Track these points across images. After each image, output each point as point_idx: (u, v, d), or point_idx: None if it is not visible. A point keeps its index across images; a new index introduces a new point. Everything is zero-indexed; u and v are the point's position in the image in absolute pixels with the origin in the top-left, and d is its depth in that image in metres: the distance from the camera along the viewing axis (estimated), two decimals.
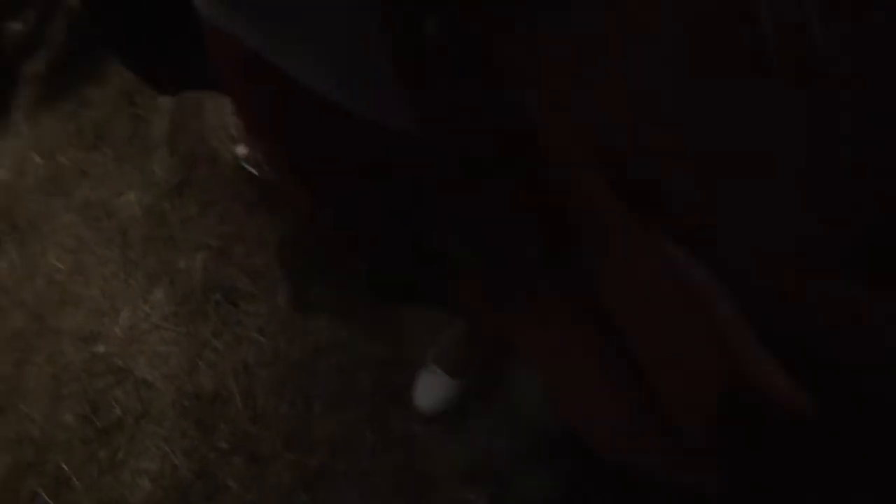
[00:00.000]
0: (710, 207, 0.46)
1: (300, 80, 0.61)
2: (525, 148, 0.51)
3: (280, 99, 0.66)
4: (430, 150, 0.59)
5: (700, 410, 0.51)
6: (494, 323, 0.80)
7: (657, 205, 0.46)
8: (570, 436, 1.37)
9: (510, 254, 0.61)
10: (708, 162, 0.44)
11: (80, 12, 2.24)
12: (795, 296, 0.45)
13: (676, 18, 0.41)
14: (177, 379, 1.71)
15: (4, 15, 2.33)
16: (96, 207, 1.98)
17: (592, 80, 0.46)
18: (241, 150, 1.94)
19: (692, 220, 0.47)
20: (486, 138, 0.54)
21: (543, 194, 0.53)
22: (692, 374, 0.51)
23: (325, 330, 1.72)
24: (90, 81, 2.19)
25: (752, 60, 0.39)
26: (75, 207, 1.99)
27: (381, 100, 0.59)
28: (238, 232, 1.87)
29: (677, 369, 0.52)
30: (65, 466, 1.65)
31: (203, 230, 1.89)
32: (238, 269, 1.82)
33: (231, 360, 1.71)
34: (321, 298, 1.75)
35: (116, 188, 2.00)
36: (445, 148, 0.58)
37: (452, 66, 0.51)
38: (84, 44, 2.23)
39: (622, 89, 0.45)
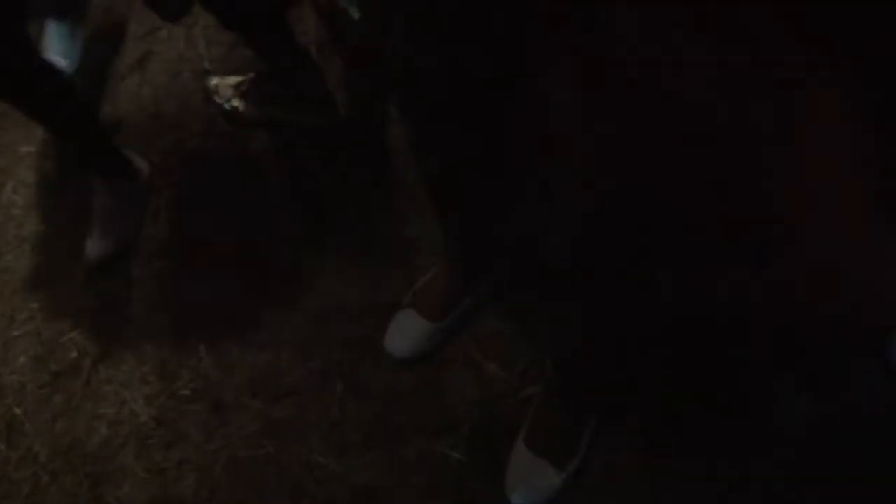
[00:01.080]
0: None
1: None
2: None
3: None
4: None
5: None
6: None
7: None
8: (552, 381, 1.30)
9: None
10: None
11: None
12: None
13: None
14: (136, 323, 1.62)
15: None
16: None
17: None
18: (215, 83, 1.85)
19: None
20: None
21: None
22: None
23: (296, 282, 1.63)
24: None
25: None
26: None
27: None
28: (210, 172, 1.78)
29: None
30: (17, 410, 1.57)
31: (169, 171, 1.79)
32: (203, 215, 1.73)
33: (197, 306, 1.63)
34: (291, 250, 1.67)
35: None
36: None
37: None
38: None
39: None
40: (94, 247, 1.66)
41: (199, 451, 1.50)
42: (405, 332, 1.52)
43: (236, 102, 1.80)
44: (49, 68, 1.44)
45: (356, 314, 1.57)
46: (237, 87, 1.81)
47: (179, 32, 1.98)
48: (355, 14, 1.73)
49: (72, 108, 1.51)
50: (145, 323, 1.62)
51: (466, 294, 1.54)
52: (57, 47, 1.89)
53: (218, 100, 1.81)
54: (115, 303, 1.66)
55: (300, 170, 1.76)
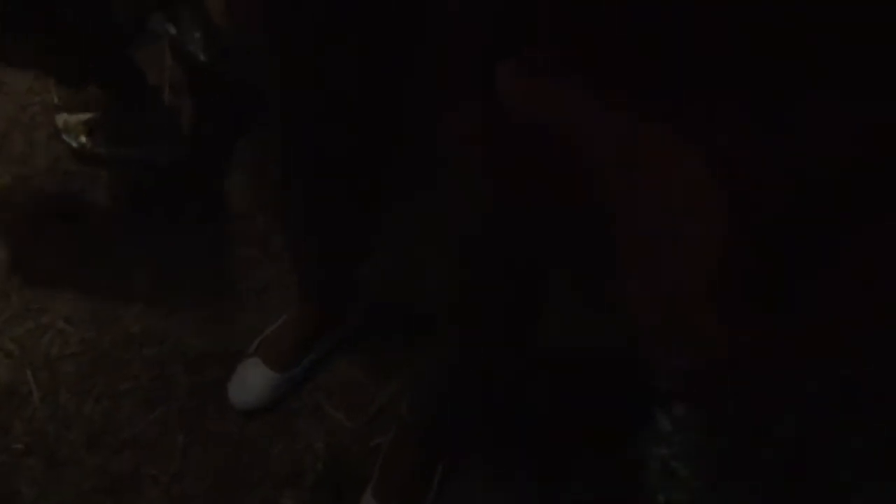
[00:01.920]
0: None
1: None
2: None
3: None
4: None
5: None
6: None
7: None
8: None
9: None
10: None
11: None
12: None
13: None
14: None
15: None
16: None
17: None
18: (65, 119, 1.78)
19: None
20: None
21: None
22: None
23: (137, 321, 1.58)
24: None
25: None
26: None
27: None
28: (52, 211, 1.71)
29: None
30: None
31: (13, 205, 1.72)
32: (47, 248, 1.65)
33: (31, 351, 1.55)
34: (136, 283, 1.61)
35: None
36: None
37: None
38: None
39: None
40: None
41: None
42: (250, 383, 1.48)
43: (84, 139, 1.74)
44: None
45: (201, 362, 1.53)
46: (86, 123, 1.75)
47: None
48: (201, 56, 1.70)
49: None
50: None
51: (316, 342, 1.52)
52: None
53: (66, 138, 1.74)
54: None
55: (143, 211, 1.71)
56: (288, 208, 1.32)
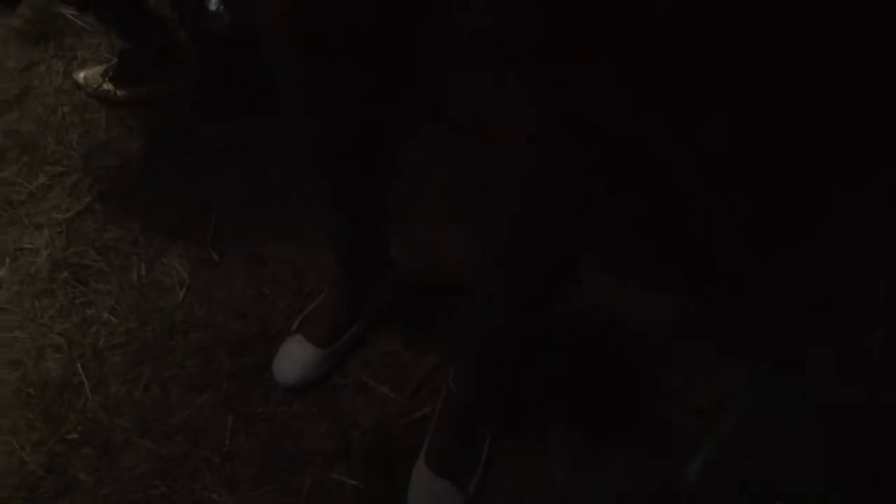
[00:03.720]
0: None
1: None
2: None
3: None
4: None
5: None
6: None
7: None
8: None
9: None
10: None
11: None
12: None
13: None
14: (21, 366, 1.58)
15: None
16: None
17: None
18: (84, 75, 1.88)
19: None
20: None
21: None
22: None
23: (180, 307, 1.60)
24: None
25: None
26: None
27: None
28: (89, 205, 1.74)
29: None
30: None
31: (50, 204, 1.75)
32: (88, 244, 1.69)
33: (80, 343, 1.59)
34: (176, 273, 1.64)
35: None
36: None
37: None
38: None
39: None
40: None
41: (91, 496, 1.46)
42: (293, 360, 1.51)
43: (106, 86, 1.83)
44: None
45: (243, 345, 1.56)
46: (104, 73, 1.85)
47: (58, 66, 1.94)
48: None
49: None
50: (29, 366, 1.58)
51: (356, 318, 1.53)
52: None
53: (88, 89, 1.85)
54: None
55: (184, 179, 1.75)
56: (321, 192, 1.34)
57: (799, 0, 0.41)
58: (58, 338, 1.60)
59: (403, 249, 1.58)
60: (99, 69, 1.85)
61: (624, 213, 0.59)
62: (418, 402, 1.50)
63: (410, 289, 1.59)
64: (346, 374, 1.53)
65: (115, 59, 1.84)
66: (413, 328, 1.57)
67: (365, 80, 1.02)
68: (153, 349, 1.57)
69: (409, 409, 1.50)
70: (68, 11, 2.01)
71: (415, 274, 1.60)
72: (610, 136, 0.53)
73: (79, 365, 1.56)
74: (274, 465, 1.46)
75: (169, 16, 1.83)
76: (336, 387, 1.52)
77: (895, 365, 1.02)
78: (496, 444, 1.46)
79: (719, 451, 1.36)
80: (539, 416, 1.50)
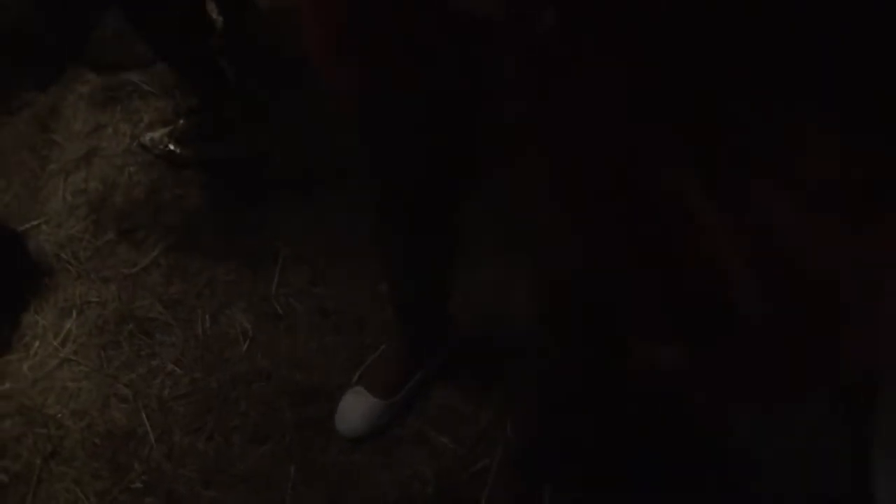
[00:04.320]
0: None
1: None
2: None
3: None
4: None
5: None
6: None
7: None
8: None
9: None
10: None
11: None
12: None
13: None
14: (87, 416, 1.61)
15: None
16: None
17: None
18: (150, 136, 1.96)
19: None
20: None
21: None
22: None
23: (243, 359, 1.64)
24: None
25: None
26: None
27: None
28: (154, 259, 1.79)
29: None
30: None
31: (117, 259, 1.81)
32: (153, 297, 1.74)
33: (145, 394, 1.62)
34: (239, 325, 1.68)
35: (28, 218, 1.90)
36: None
37: None
38: None
39: None
40: None
41: None
42: (355, 411, 1.53)
43: (172, 146, 1.91)
44: None
45: (306, 396, 1.58)
46: (170, 133, 1.93)
47: (125, 129, 2.02)
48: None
49: None
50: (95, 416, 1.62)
51: (416, 371, 1.56)
52: None
53: (155, 150, 1.93)
54: None
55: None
56: (385, 252, 1.37)
57: None
58: (123, 388, 1.63)
59: (464, 304, 1.61)
60: (165, 131, 1.93)
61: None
62: (478, 453, 1.52)
63: (469, 343, 1.61)
64: (406, 426, 1.55)
65: (181, 121, 1.91)
66: (472, 381, 1.59)
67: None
68: (217, 400, 1.60)
69: (469, 461, 1.51)
70: (136, 77, 2.10)
71: (474, 329, 1.62)
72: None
73: (144, 415, 1.60)
74: None
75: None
76: (397, 438, 1.54)
77: None
78: (557, 498, 1.46)
79: None
80: (600, 472, 1.50)
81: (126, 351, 1.68)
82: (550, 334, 1.12)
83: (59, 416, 1.62)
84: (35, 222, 1.88)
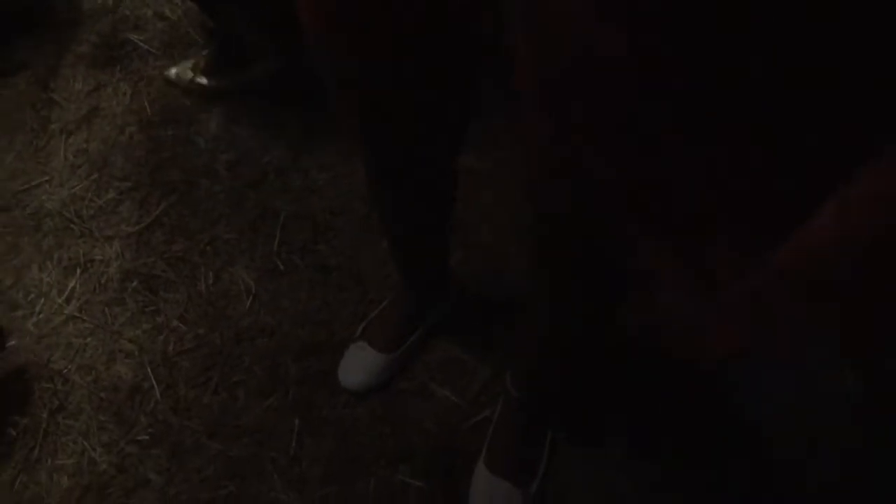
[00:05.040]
0: None
1: None
2: None
3: None
4: None
5: None
6: None
7: None
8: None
9: None
10: None
11: None
12: None
13: None
14: (93, 371, 1.63)
15: None
16: (7, 199, 1.88)
17: None
18: (175, 71, 2.00)
19: None
20: None
21: None
22: None
23: (246, 315, 1.66)
24: None
25: None
26: None
27: None
28: (157, 217, 1.80)
29: None
30: None
31: (119, 217, 1.82)
32: (157, 255, 1.75)
33: (150, 349, 1.64)
34: (242, 282, 1.70)
35: (30, 178, 1.91)
36: None
37: None
38: None
39: None
40: None
41: (161, 495, 1.50)
42: (359, 365, 1.55)
43: (199, 79, 1.94)
44: None
45: (309, 351, 1.60)
46: (194, 67, 1.96)
47: (125, 88, 2.02)
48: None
49: None
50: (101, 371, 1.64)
51: (418, 325, 1.58)
52: None
53: (181, 84, 1.96)
54: None
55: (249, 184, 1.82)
56: (383, 212, 1.38)
57: None
58: (128, 344, 1.65)
59: (464, 258, 1.63)
60: (188, 64, 1.96)
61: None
62: (479, 405, 1.54)
63: (471, 296, 1.63)
64: (409, 379, 1.57)
65: (205, 52, 1.94)
66: (474, 334, 1.61)
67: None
68: (221, 355, 1.62)
69: (471, 412, 1.54)
70: (134, 36, 2.10)
71: (475, 282, 1.64)
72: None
73: (149, 370, 1.62)
74: (339, 467, 1.50)
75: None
76: (399, 391, 1.56)
77: None
78: (556, 447, 1.49)
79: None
80: (599, 422, 1.53)
81: (130, 308, 1.70)
82: (547, 282, 1.12)
83: (65, 371, 1.64)
84: (37, 181, 1.89)
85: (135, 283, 1.72)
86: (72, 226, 1.82)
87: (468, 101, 1.02)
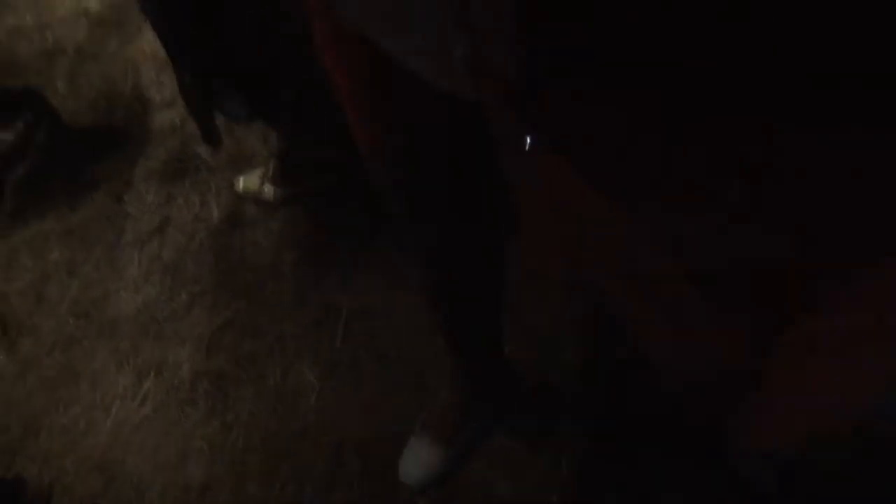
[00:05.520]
0: None
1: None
2: None
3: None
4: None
5: None
6: None
7: None
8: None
9: None
10: None
11: (58, 122, 2.31)
12: None
13: None
14: (167, 470, 1.70)
15: None
16: (86, 306, 2.00)
17: None
18: (242, 180, 2.10)
19: None
20: None
21: None
22: None
23: (313, 411, 1.72)
24: (77, 184, 2.25)
25: None
26: (66, 307, 2.01)
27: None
28: (228, 319, 1.89)
29: None
30: None
31: (191, 320, 1.91)
32: (227, 355, 1.83)
33: (221, 447, 1.71)
34: (307, 378, 1.76)
35: (106, 286, 2.03)
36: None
37: None
38: (69, 149, 2.29)
39: None
40: None
41: None
42: (419, 460, 1.58)
43: (266, 189, 2.04)
44: None
45: (371, 445, 1.65)
46: (262, 176, 2.06)
47: (194, 199, 2.15)
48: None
49: None
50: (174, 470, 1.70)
51: (476, 416, 1.61)
52: None
53: (249, 194, 2.07)
54: None
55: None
56: (435, 308, 1.45)
57: None
58: (199, 441, 1.72)
59: (520, 348, 1.67)
60: (254, 174, 2.08)
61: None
62: (538, 496, 1.56)
63: (529, 386, 1.67)
64: (469, 471, 1.60)
65: (273, 162, 2.04)
66: (530, 423, 1.64)
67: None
68: (288, 451, 1.68)
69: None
70: (201, 150, 2.24)
71: (532, 372, 1.68)
72: None
73: (219, 468, 1.68)
74: None
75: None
76: (459, 484, 1.59)
77: None
78: None
79: None
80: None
81: (202, 407, 1.77)
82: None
83: (140, 471, 1.71)
84: (113, 288, 2.01)
85: (206, 384, 1.80)
86: (146, 330, 1.92)
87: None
